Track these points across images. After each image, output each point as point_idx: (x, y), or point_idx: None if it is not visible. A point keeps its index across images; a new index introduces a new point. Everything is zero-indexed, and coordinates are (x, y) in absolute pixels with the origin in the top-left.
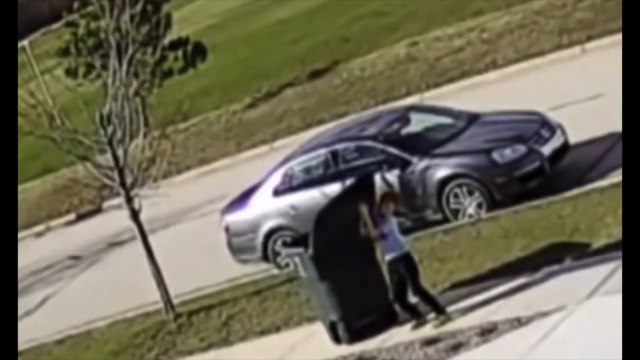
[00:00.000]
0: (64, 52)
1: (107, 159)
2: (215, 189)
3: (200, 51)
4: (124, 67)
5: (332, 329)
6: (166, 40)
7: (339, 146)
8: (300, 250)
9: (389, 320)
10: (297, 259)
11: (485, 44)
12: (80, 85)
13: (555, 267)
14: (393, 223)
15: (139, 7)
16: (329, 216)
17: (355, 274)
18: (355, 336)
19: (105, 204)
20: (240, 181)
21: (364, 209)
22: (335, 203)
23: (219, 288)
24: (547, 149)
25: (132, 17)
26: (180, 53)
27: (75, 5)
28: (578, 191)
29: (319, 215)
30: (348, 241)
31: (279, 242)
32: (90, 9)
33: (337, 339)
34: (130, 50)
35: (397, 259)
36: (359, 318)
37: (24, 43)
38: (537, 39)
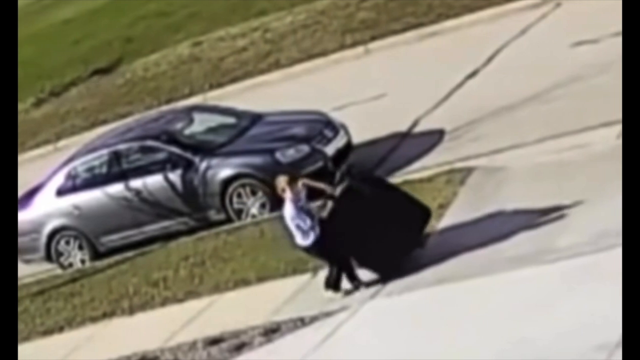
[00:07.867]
0: None
1: None
2: None
3: None
4: None
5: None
6: None
7: (122, 146)
8: None
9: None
10: None
11: (269, 44)
12: None
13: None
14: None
15: None
16: None
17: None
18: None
19: None
20: (24, 181)
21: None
22: None
23: None
24: (330, 149)
25: None
26: None
27: None
28: None
29: None
30: None
31: (62, 242)
32: None
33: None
34: None
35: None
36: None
37: None
38: (321, 39)
